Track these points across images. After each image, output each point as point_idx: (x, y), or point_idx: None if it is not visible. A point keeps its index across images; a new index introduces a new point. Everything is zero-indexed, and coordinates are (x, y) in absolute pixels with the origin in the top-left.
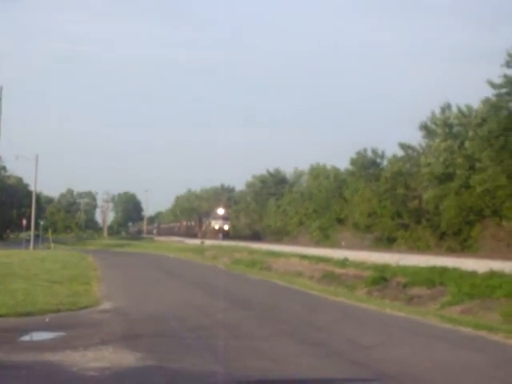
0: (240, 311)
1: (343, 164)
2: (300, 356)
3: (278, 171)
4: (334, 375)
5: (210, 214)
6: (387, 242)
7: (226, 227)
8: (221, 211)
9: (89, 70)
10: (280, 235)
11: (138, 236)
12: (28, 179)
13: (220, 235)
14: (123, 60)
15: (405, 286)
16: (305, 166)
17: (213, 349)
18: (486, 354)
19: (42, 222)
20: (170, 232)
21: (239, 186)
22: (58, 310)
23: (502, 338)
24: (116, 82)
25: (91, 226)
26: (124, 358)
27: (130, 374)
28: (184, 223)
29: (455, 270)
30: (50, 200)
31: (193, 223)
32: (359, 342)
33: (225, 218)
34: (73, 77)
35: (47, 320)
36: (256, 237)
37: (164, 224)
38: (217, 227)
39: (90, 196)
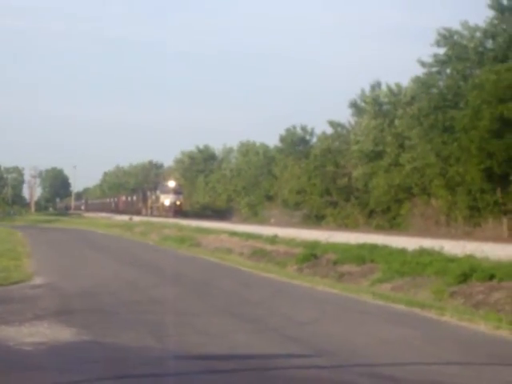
0: (172, 287)
1: (272, 141)
2: (236, 331)
3: (207, 148)
4: (270, 351)
5: (157, 187)
6: (316, 220)
7: (178, 202)
8: (172, 184)
9: (15, 44)
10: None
11: (65, 212)
12: None
13: (171, 212)
14: (50, 33)
15: (335, 263)
16: (234, 143)
17: (148, 324)
18: (421, 331)
19: None
20: (103, 208)
21: (168, 162)
22: None
23: (435, 314)
24: (43, 57)
25: (18, 201)
26: (59, 333)
27: (66, 348)
28: (123, 198)
29: (385, 247)
30: None
31: (134, 198)
32: (294, 318)
33: (177, 192)
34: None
35: None
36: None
37: (93, 200)
38: (167, 203)
39: (17, 171)
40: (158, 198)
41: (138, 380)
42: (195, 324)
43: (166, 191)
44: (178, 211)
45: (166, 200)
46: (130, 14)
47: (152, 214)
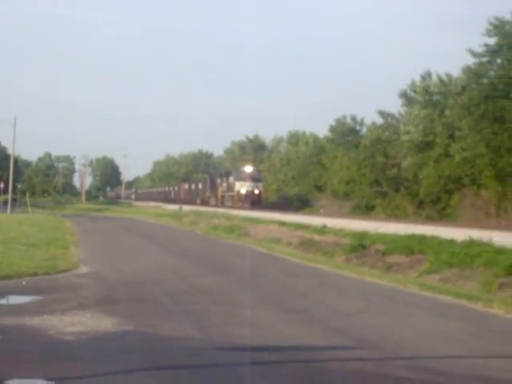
0: (218, 276)
1: (322, 131)
2: (281, 322)
3: (256, 137)
4: (315, 342)
5: (230, 173)
6: (365, 210)
7: (257, 191)
8: (249, 169)
9: (74, 33)
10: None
11: (116, 201)
12: (6, 142)
13: (247, 202)
14: (110, 22)
15: (383, 253)
16: (284, 133)
17: (191, 314)
18: (467, 323)
19: (19, 186)
20: (154, 197)
21: (217, 151)
22: (35, 274)
23: (482, 306)
24: (96, 47)
25: (69, 190)
26: (101, 322)
27: (107, 338)
28: (185, 186)
29: (434, 238)
30: (27, 163)
31: (199, 186)
32: (340, 309)
33: (255, 179)
34: (56, 40)
35: (24, 283)
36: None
37: (143, 189)
38: (244, 191)
39: (68, 160)
40: (231, 186)
41: (179, 371)
42: (239, 314)
43: (243, 178)
44: (256, 201)
45: (243, 188)
46: (185, 4)
47: (223, 205)
